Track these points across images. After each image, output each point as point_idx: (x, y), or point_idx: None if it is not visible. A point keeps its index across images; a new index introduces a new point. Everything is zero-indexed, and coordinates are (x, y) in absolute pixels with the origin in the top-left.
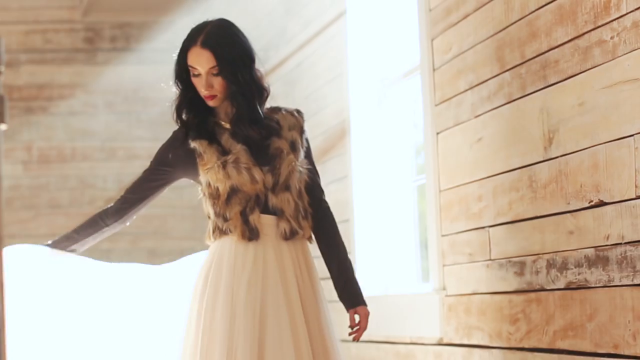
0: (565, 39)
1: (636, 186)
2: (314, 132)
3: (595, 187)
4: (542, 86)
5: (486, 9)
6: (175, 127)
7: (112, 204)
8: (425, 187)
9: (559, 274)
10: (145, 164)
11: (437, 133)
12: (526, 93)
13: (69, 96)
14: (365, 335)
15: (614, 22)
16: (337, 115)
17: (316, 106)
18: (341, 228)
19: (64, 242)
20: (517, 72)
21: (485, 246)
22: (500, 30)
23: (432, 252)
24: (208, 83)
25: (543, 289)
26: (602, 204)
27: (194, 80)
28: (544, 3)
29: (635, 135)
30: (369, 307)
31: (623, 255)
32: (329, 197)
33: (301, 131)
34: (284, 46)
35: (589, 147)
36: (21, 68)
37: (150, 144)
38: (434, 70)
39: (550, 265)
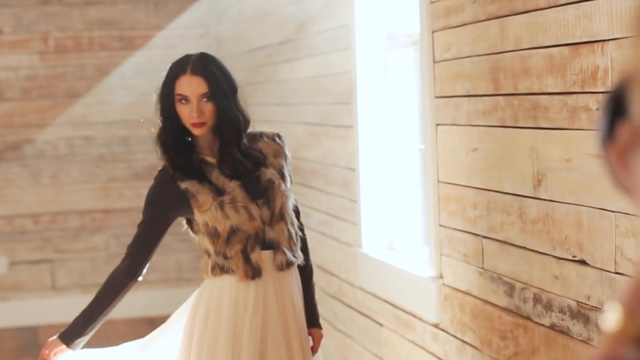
0: (555, 90)
1: (616, 263)
2: (321, 71)
3: (578, 244)
4: (532, 125)
5: (482, 25)
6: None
7: (119, 265)
8: (424, 175)
9: (544, 312)
10: (163, 52)
11: (437, 125)
12: (518, 125)
13: None
14: (371, 289)
15: (599, 94)
16: (345, 64)
17: (324, 48)
18: (347, 176)
19: (88, 325)
20: (510, 101)
21: (479, 254)
22: (496, 53)
23: (430, 238)
24: (199, 109)
25: (530, 319)
26: (584, 263)
27: (181, 108)
28: (535, 45)
29: (616, 213)
30: (371, 268)
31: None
32: (337, 144)
33: (285, 157)
34: None
35: (574, 204)
36: None
37: (168, 32)
38: (434, 62)
39: (536, 299)
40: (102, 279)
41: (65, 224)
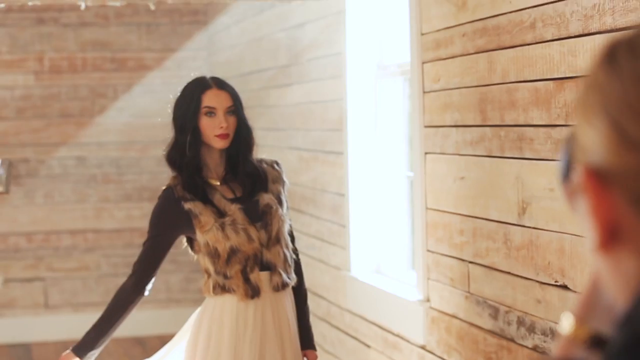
0: (540, 122)
1: None
2: (311, 97)
3: (560, 270)
4: (518, 156)
5: (471, 58)
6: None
7: (126, 282)
8: (413, 201)
9: (527, 334)
10: (155, 74)
11: (426, 153)
12: (504, 155)
13: (80, 8)
14: (359, 311)
15: None
16: (335, 92)
17: (316, 75)
18: (337, 201)
19: (99, 339)
20: (497, 132)
21: (465, 278)
22: (484, 85)
23: (418, 263)
24: (226, 120)
25: (514, 341)
26: (566, 288)
27: (206, 121)
28: (522, 79)
29: None
30: (360, 291)
31: None
32: (327, 170)
33: (282, 183)
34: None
35: (557, 232)
36: None
37: (159, 55)
38: (424, 93)
39: (520, 322)
40: (93, 297)
41: (57, 243)
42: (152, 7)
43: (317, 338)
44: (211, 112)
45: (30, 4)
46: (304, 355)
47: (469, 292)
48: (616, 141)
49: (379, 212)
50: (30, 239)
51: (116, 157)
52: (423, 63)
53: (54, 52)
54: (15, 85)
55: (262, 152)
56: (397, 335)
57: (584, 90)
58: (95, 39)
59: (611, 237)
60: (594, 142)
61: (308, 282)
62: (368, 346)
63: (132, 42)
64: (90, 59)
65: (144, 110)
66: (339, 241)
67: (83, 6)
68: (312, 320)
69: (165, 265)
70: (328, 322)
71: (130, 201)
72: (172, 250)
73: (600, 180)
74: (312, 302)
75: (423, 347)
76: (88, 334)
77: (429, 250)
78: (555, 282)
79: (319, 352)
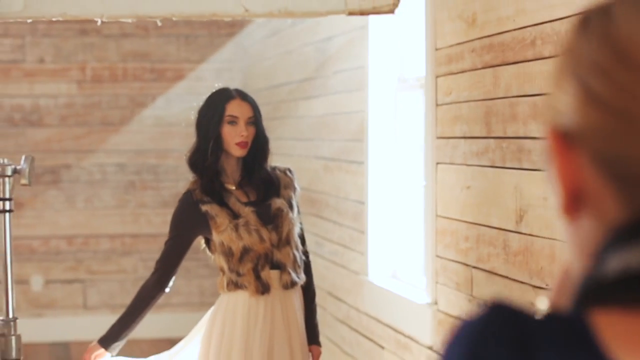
0: (538, 135)
1: None
2: (335, 109)
3: (551, 274)
4: (517, 166)
5: (478, 73)
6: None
7: (148, 279)
8: (425, 209)
9: None
10: (192, 85)
11: (437, 163)
12: (505, 166)
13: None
14: (375, 314)
15: None
16: (358, 104)
17: (340, 87)
18: (357, 209)
19: (123, 331)
20: (499, 143)
21: (469, 282)
22: (489, 99)
23: (428, 268)
24: (247, 129)
25: None
26: None
27: (228, 129)
28: (522, 93)
29: None
30: (377, 295)
31: None
32: (349, 179)
33: (294, 189)
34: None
35: (549, 239)
36: None
37: (196, 65)
38: (437, 105)
39: None
40: (129, 299)
41: (96, 246)
42: (159, 24)
43: (337, 339)
44: (233, 121)
45: (54, 19)
46: (310, 350)
47: (472, 295)
48: (583, 100)
49: (397, 220)
50: (71, 242)
51: (154, 165)
52: (437, 77)
53: (96, 62)
54: (59, 93)
55: (290, 161)
56: (408, 337)
57: (559, 58)
58: (136, 50)
59: (575, 200)
60: (564, 105)
61: (330, 286)
62: (382, 347)
63: (171, 53)
64: (130, 69)
65: (181, 120)
66: (358, 247)
67: (99, 22)
68: (333, 322)
69: (199, 270)
70: (347, 325)
71: (167, 207)
72: (204, 255)
73: (567, 142)
74: (333, 305)
75: (430, 348)
76: (113, 327)
77: (437, 256)
78: (547, 285)
79: (338, 353)
